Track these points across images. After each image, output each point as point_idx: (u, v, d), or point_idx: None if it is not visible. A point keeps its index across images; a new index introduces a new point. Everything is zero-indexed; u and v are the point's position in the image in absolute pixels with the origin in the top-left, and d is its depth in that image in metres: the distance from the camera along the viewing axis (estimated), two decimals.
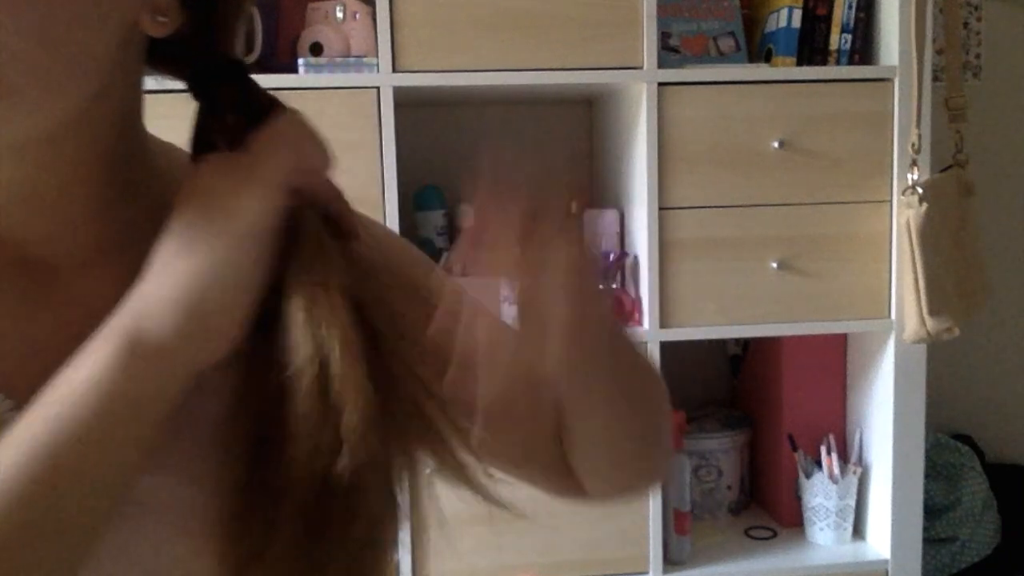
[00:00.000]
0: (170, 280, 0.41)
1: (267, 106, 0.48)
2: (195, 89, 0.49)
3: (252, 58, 1.63)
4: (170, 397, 0.42)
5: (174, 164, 0.52)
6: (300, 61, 1.53)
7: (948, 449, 2.05)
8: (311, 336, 0.43)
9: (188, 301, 0.41)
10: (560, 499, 0.63)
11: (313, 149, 0.47)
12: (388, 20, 1.51)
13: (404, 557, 1.58)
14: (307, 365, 0.43)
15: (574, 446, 0.57)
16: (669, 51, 1.70)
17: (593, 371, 0.49)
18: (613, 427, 0.55)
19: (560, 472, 0.60)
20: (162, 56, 0.49)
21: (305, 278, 0.45)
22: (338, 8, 1.60)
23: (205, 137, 0.48)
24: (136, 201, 0.49)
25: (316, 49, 1.56)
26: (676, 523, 1.69)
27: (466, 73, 1.54)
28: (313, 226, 0.46)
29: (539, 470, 0.61)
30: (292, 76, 1.52)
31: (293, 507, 0.44)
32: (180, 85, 0.51)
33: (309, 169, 0.46)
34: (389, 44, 1.52)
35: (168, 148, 0.54)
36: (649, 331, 1.61)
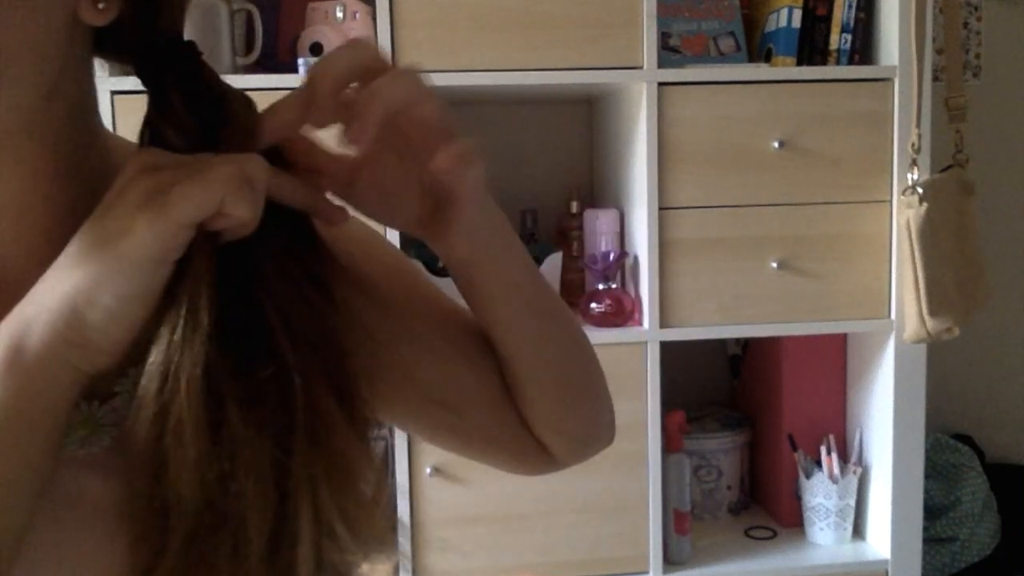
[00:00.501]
0: (56, 291, 0.41)
1: (219, 93, 0.46)
2: (143, 75, 0.47)
3: (252, 58, 1.63)
4: (57, 406, 0.41)
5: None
6: (300, 61, 1.53)
7: (948, 449, 2.05)
8: (159, 372, 0.42)
9: (68, 314, 0.40)
10: (532, 470, 0.65)
11: (254, 172, 0.42)
12: (388, 20, 1.51)
13: (404, 556, 1.58)
14: (148, 402, 0.42)
15: (522, 399, 0.60)
16: (669, 51, 1.70)
17: (492, 243, 0.52)
18: (549, 365, 0.59)
19: (523, 442, 0.62)
20: (109, 42, 0.47)
21: (174, 306, 0.42)
22: (338, 8, 1.60)
23: (154, 127, 0.45)
24: (95, 198, 0.47)
25: (316, 49, 1.56)
26: (676, 523, 1.69)
27: (466, 73, 1.54)
28: (198, 249, 0.42)
29: (505, 445, 0.63)
30: (292, 76, 1.52)
31: (179, 522, 0.42)
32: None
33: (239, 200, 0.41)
34: (389, 44, 1.52)
35: (126, 145, 0.52)
36: (649, 331, 1.61)
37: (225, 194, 0.40)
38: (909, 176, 1.60)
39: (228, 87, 0.47)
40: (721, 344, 2.08)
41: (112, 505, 0.45)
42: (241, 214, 0.41)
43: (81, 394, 0.44)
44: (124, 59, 0.49)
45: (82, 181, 0.47)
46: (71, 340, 0.40)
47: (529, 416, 0.61)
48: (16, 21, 0.41)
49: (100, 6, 0.44)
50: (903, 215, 1.59)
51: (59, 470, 0.44)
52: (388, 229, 0.79)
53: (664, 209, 1.60)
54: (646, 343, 1.62)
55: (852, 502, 1.76)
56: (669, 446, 1.71)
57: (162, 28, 0.47)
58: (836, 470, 1.75)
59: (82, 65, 0.47)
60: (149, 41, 0.47)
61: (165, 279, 0.42)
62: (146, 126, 0.46)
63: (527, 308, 0.56)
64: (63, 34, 0.44)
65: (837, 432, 1.82)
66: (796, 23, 1.68)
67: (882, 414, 1.71)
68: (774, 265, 1.62)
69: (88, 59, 0.47)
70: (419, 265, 1.34)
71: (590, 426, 0.64)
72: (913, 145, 1.59)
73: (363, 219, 0.53)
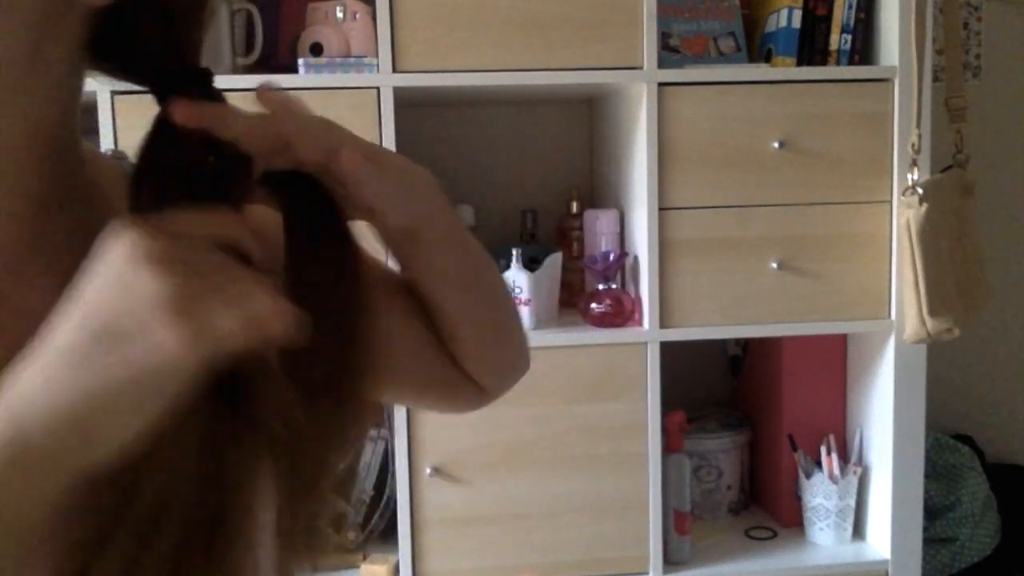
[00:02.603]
0: (59, 392, 0.37)
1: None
2: (156, 94, 0.46)
3: (252, 58, 1.63)
4: (52, 499, 0.39)
5: (101, 170, 0.51)
6: (300, 61, 1.53)
7: (948, 449, 2.05)
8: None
9: (75, 419, 0.37)
10: (466, 406, 0.69)
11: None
12: (388, 20, 1.51)
13: (404, 557, 1.58)
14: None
15: (453, 339, 0.62)
16: (669, 51, 1.70)
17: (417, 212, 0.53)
18: (476, 305, 0.62)
19: (455, 380, 0.65)
20: (117, 56, 0.46)
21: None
22: (338, 8, 1.60)
23: (158, 147, 0.44)
24: (72, 207, 0.47)
25: (316, 49, 1.56)
26: (676, 523, 1.69)
27: (466, 73, 1.54)
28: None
29: (440, 387, 0.66)
30: (292, 76, 1.52)
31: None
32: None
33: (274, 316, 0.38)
34: (389, 44, 1.52)
35: (90, 151, 0.51)
36: (649, 331, 1.61)
37: (268, 326, 0.38)
38: (909, 176, 1.60)
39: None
40: (721, 344, 2.08)
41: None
42: (276, 335, 0.38)
43: None
44: (134, 77, 0.47)
45: (61, 186, 0.46)
46: (75, 448, 0.38)
47: (460, 354, 0.63)
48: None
49: None
50: (903, 215, 1.59)
51: None
52: None
53: (664, 209, 1.60)
54: (646, 343, 1.62)
55: (852, 502, 1.76)
56: (669, 446, 1.71)
57: (178, 44, 0.46)
58: (836, 470, 1.75)
59: (73, 58, 0.45)
60: (162, 60, 0.46)
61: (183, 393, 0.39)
62: (149, 143, 0.44)
63: (459, 259, 0.59)
64: (58, 10, 0.41)
65: (837, 432, 1.82)
66: (796, 23, 1.68)
67: (882, 414, 1.71)
68: (774, 265, 1.62)
69: (81, 58, 0.45)
70: None
71: (514, 357, 0.69)
72: (913, 145, 1.59)
73: None
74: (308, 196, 0.48)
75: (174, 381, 0.37)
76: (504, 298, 0.66)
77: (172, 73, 0.46)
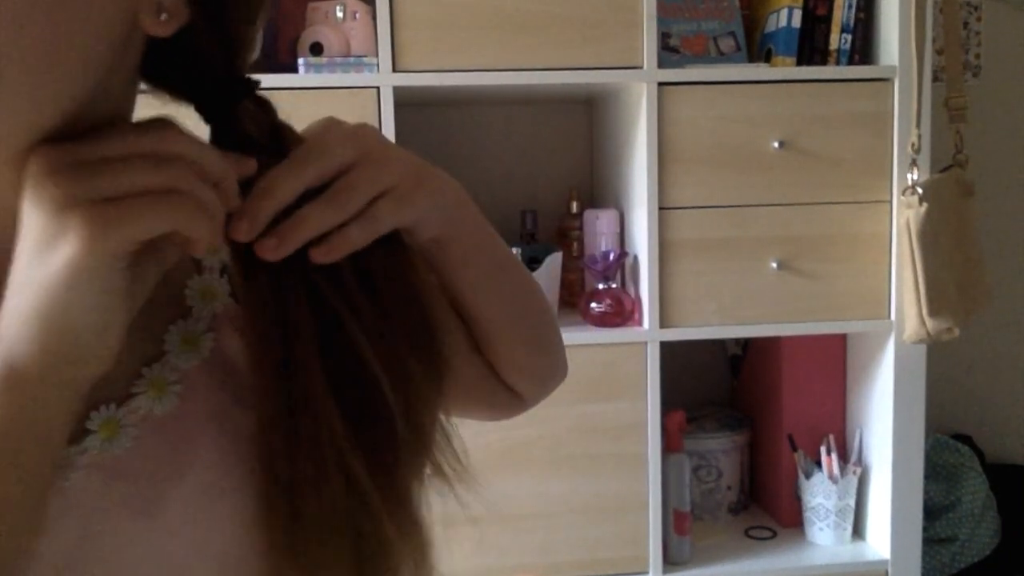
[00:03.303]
0: (28, 300, 0.39)
1: (287, 135, 0.48)
2: (206, 111, 0.47)
3: (252, 58, 1.63)
4: (57, 418, 0.41)
5: None
6: (300, 61, 1.53)
7: (948, 449, 2.05)
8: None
9: (50, 322, 0.38)
10: (504, 414, 0.70)
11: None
12: (388, 20, 1.51)
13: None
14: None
15: (492, 349, 0.63)
16: (669, 51, 1.70)
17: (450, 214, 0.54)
18: (514, 315, 0.63)
19: (494, 388, 0.66)
20: (168, 72, 0.47)
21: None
22: (338, 8, 1.60)
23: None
24: None
25: (316, 49, 1.56)
26: (676, 523, 1.69)
27: (466, 73, 1.54)
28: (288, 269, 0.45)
29: (479, 395, 0.66)
30: (292, 76, 1.52)
31: (312, 505, 0.45)
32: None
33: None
34: (389, 44, 1.52)
35: None
36: (649, 331, 1.61)
37: (180, 219, 0.39)
38: (909, 176, 1.60)
39: (284, 124, 0.49)
40: (721, 344, 2.08)
41: (140, 508, 0.45)
42: (200, 236, 0.41)
43: (97, 399, 0.45)
44: (183, 93, 0.47)
45: None
46: (61, 354, 0.39)
47: (498, 363, 0.64)
48: (70, 14, 0.38)
49: (163, 17, 0.42)
50: (903, 215, 1.59)
51: (81, 475, 0.44)
52: None
53: (664, 209, 1.60)
54: (646, 343, 1.62)
55: (852, 502, 1.76)
56: (669, 446, 1.71)
57: (226, 58, 0.47)
58: (836, 470, 1.75)
59: (128, 76, 0.45)
60: (215, 75, 0.46)
61: (138, 275, 0.41)
62: None
63: (490, 266, 0.60)
64: (120, 41, 0.41)
65: (837, 432, 1.82)
66: (796, 23, 1.68)
67: (882, 414, 1.71)
68: (774, 265, 1.62)
69: (135, 72, 0.45)
70: None
71: (552, 363, 0.69)
72: (913, 145, 1.59)
73: None
74: None
75: (98, 272, 0.38)
76: (539, 307, 0.66)
77: (225, 88, 0.46)
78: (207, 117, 0.47)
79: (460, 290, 0.59)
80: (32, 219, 0.38)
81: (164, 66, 0.46)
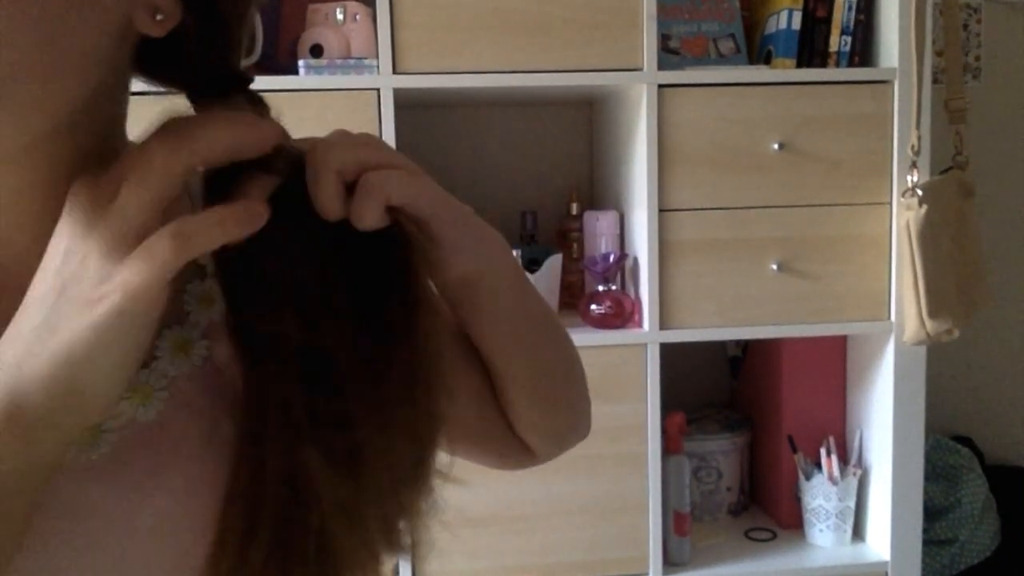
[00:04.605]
0: (44, 356, 0.38)
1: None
2: (197, 102, 0.47)
3: (252, 60, 1.63)
4: (51, 461, 0.41)
5: None
6: (300, 63, 1.53)
7: (948, 451, 2.05)
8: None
9: (64, 379, 0.38)
10: (514, 466, 0.67)
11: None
12: (388, 22, 1.51)
13: (404, 557, 1.58)
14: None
15: (508, 404, 0.61)
16: (669, 53, 1.70)
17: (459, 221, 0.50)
18: (537, 373, 0.60)
19: (507, 440, 0.64)
20: (158, 64, 0.47)
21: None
22: (338, 10, 1.60)
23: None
24: None
25: (316, 51, 1.56)
26: (676, 524, 1.69)
27: (466, 74, 1.54)
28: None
29: (490, 444, 0.64)
30: (292, 78, 1.52)
31: (268, 525, 0.43)
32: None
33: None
34: (389, 46, 1.52)
35: None
36: (649, 332, 1.62)
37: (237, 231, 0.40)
38: (909, 178, 1.60)
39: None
40: (721, 346, 2.08)
41: (112, 516, 0.44)
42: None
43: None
44: (174, 83, 0.47)
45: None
46: (70, 405, 0.39)
47: (513, 419, 0.62)
48: (69, 25, 0.39)
49: (158, 17, 0.42)
50: (903, 217, 1.59)
51: (61, 481, 0.44)
52: None
53: (664, 211, 1.60)
54: (646, 345, 1.62)
55: (852, 504, 1.76)
56: (669, 447, 1.71)
57: (217, 53, 0.46)
58: (836, 472, 1.75)
59: (124, 74, 0.45)
60: (205, 66, 0.46)
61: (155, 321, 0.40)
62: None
63: (521, 322, 0.57)
64: (115, 42, 0.42)
65: (837, 434, 1.82)
66: (796, 25, 1.68)
67: (882, 416, 1.72)
68: (774, 267, 1.63)
69: (129, 70, 0.46)
70: None
71: (571, 424, 0.66)
72: (913, 147, 1.59)
73: None
74: (386, 232, 0.46)
75: (142, 320, 0.39)
76: (567, 368, 0.63)
77: (216, 81, 0.46)
78: (198, 108, 0.46)
79: (484, 340, 0.57)
80: (74, 256, 0.38)
81: (157, 59, 0.46)
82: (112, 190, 0.39)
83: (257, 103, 0.47)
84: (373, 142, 0.46)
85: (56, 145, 0.43)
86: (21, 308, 0.40)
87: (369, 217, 0.44)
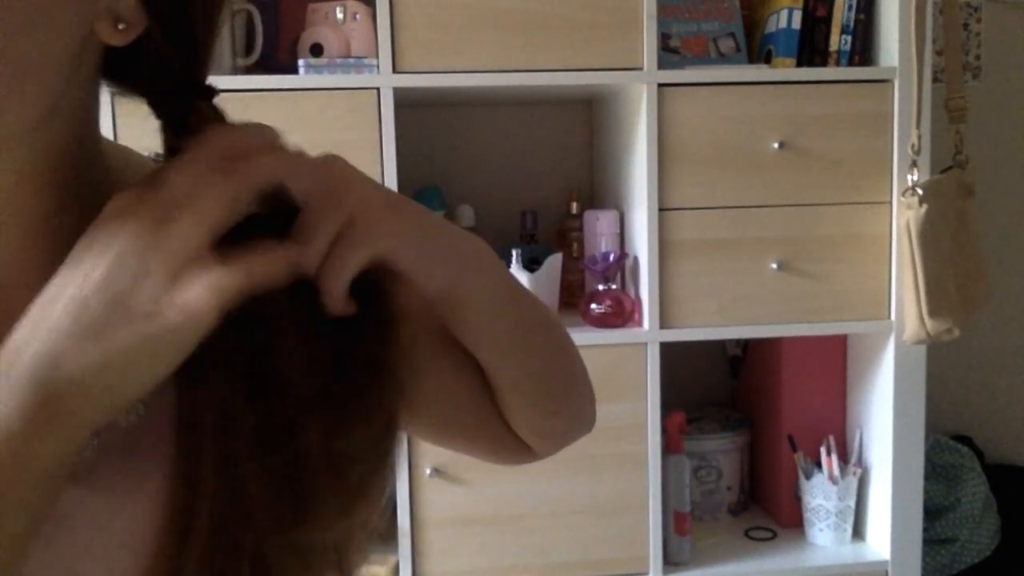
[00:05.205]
0: (90, 358, 0.39)
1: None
2: (160, 112, 0.46)
3: (252, 59, 1.63)
4: (68, 456, 0.41)
5: (130, 163, 0.50)
6: (300, 62, 1.53)
7: (948, 450, 2.05)
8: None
9: (103, 383, 0.39)
10: (511, 462, 0.67)
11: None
12: (388, 21, 1.51)
13: (404, 557, 1.58)
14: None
15: (505, 406, 0.60)
16: (669, 52, 1.70)
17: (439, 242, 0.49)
18: (533, 376, 0.59)
19: (504, 438, 0.64)
20: (124, 71, 0.46)
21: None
22: (338, 9, 1.60)
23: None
24: (87, 208, 0.46)
25: (316, 50, 1.56)
26: (676, 524, 1.69)
27: (466, 74, 1.54)
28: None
29: (486, 442, 0.64)
30: (292, 77, 1.52)
31: (201, 544, 0.43)
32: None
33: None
34: (389, 45, 1.52)
35: (123, 150, 0.51)
36: (649, 332, 1.62)
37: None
38: (909, 177, 1.60)
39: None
40: (721, 345, 2.08)
41: (100, 520, 0.44)
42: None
43: None
44: (138, 91, 0.47)
45: (71, 193, 0.46)
46: (102, 407, 0.40)
47: (509, 419, 0.62)
48: (35, 38, 0.39)
49: (120, 26, 0.42)
50: (903, 216, 1.59)
51: None
52: None
53: (664, 210, 1.60)
54: (646, 344, 1.62)
55: (852, 503, 1.76)
56: (669, 447, 1.71)
57: (186, 65, 0.46)
58: (836, 471, 1.75)
59: (89, 83, 0.45)
60: (172, 78, 0.45)
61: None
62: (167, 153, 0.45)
63: (514, 329, 0.56)
64: (76, 51, 0.42)
65: (837, 433, 1.82)
66: (796, 24, 1.68)
67: (882, 415, 1.71)
68: (774, 266, 1.63)
69: (96, 79, 0.46)
70: None
71: (570, 426, 0.66)
72: (913, 146, 1.59)
73: None
74: None
75: (183, 340, 0.40)
76: (566, 369, 0.62)
77: (181, 91, 0.46)
78: (158, 114, 0.46)
79: (473, 348, 0.56)
80: (128, 270, 0.39)
81: (121, 65, 0.46)
82: (166, 211, 0.40)
83: (219, 116, 0.46)
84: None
85: (21, 151, 0.42)
86: (46, 301, 0.40)
87: (336, 289, 0.44)
